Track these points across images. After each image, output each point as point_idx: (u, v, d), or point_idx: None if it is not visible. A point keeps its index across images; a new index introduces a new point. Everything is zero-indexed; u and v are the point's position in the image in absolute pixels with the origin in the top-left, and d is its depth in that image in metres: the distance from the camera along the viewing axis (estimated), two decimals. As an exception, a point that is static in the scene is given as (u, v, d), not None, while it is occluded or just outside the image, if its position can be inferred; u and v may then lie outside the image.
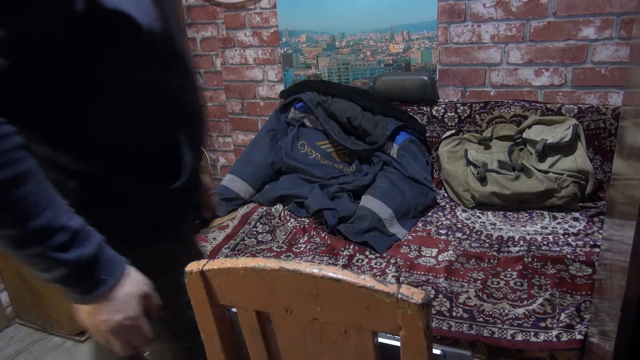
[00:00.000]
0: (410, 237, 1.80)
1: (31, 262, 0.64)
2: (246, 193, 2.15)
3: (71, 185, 0.75)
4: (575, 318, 1.29)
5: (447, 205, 2.02)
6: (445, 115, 2.19)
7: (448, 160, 2.07)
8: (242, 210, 2.05)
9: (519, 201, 1.90)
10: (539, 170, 1.91)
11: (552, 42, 2.05)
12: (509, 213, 1.91)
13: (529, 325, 1.30)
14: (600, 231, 1.67)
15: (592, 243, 1.60)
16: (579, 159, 1.87)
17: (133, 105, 0.76)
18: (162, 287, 0.76)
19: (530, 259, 1.54)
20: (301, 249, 1.76)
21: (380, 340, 0.66)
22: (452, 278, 1.52)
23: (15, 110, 0.62)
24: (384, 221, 1.80)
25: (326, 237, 1.80)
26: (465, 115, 2.16)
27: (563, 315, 1.30)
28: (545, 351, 1.27)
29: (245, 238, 1.85)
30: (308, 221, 1.93)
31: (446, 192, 2.11)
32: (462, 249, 1.67)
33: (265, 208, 2.05)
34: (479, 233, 1.77)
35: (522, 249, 1.62)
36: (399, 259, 1.64)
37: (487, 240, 1.71)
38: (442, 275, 1.52)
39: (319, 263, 0.73)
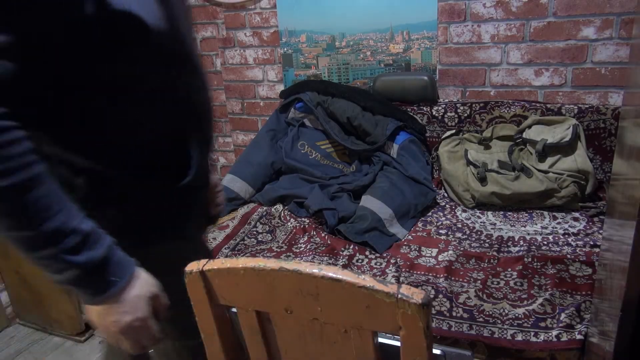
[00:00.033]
0: (410, 237, 1.80)
1: (43, 264, 0.65)
2: (246, 193, 2.15)
3: (79, 184, 0.76)
4: (575, 318, 1.29)
5: (447, 205, 2.02)
6: (445, 115, 2.19)
7: (448, 160, 2.07)
8: (242, 210, 2.05)
9: (519, 201, 1.90)
10: (539, 170, 1.91)
11: (552, 42, 2.05)
12: (509, 213, 1.91)
13: (529, 325, 1.30)
14: (600, 231, 1.67)
15: (592, 243, 1.60)
16: (579, 159, 1.87)
17: (142, 104, 0.77)
18: (169, 286, 0.77)
19: (530, 259, 1.54)
20: (301, 249, 1.76)
21: (380, 340, 0.66)
22: (452, 278, 1.52)
23: (25, 111, 0.63)
24: (384, 221, 1.80)
25: (326, 237, 1.80)
26: (465, 115, 2.16)
27: (563, 315, 1.30)
28: (545, 351, 1.27)
29: (245, 238, 1.86)
30: (308, 221, 1.93)
31: (446, 192, 2.11)
32: (462, 249, 1.67)
33: (265, 208, 2.05)
34: (479, 233, 1.77)
35: (522, 249, 1.62)
36: (399, 259, 1.64)
37: (487, 240, 1.71)
38: (442, 275, 1.52)
39: (319, 263, 0.73)
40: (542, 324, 1.30)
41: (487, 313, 1.35)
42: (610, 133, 1.94)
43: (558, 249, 1.59)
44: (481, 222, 1.86)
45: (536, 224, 1.80)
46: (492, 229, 1.80)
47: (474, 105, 2.15)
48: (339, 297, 0.61)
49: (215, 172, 1.01)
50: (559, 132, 1.91)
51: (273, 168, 2.25)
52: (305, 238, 1.82)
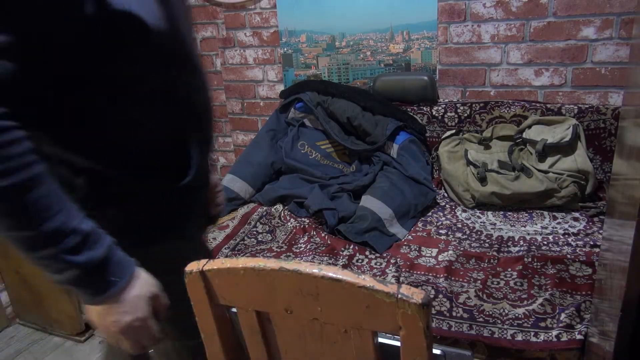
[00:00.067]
0: (410, 237, 1.80)
1: (43, 264, 0.66)
2: (246, 193, 2.15)
3: (79, 184, 0.76)
4: (575, 318, 1.29)
5: (447, 205, 2.02)
6: (445, 115, 2.19)
7: (448, 160, 2.07)
8: (242, 210, 2.05)
9: (519, 201, 1.90)
10: (539, 170, 1.91)
11: (552, 42, 2.05)
12: (509, 213, 1.91)
13: (529, 325, 1.30)
14: (600, 231, 1.67)
15: (592, 243, 1.60)
16: (579, 159, 1.87)
17: (142, 104, 0.77)
18: (169, 286, 0.77)
19: (530, 259, 1.54)
20: (301, 249, 1.76)
21: (380, 340, 0.66)
22: (452, 278, 1.52)
23: (25, 111, 0.63)
24: (384, 221, 1.80)
25: (326, 237, 1.80)
26: (465, 115, 2.16)
27: (563, 315, 1.30)
28: (545, 351, 1.27)
29: (245, 238, 1.86)
30: (308, 221, 1.93)
31: (446, 192, 2.11)
32: (462, 249, 1.67)
33: (265, 208, 2.05)
34: (479, 233, 1.77)
35: (522, 249, 1.62)
36: (399, 259, 1.64)
37: (487, 240, 1.71)
38: (442, 275, 1.52)
39: (319, 263, 0.73)
40: (542, 324, 1.30)
41: (487, 313, 1.35)
42: (610, 133, 1.94)
43: (558, 249, 1.59)
44: (481, 222, 1.86)
45: (536, 224, 1.80)
46: (492, 229, 1.80)
47: (474, 105, 2.15)
48: (339, 297, 0.61)
49: (215, 172, 1.02)
50: (559, 132, 1.91)
51: (273, 168, 2.25)
52: (305, 238, 1.82)
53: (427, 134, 2.23)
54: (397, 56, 2.38)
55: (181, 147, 0.84)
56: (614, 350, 0.79)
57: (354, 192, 2.03)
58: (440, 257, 1.63)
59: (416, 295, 0.56)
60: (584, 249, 1.57)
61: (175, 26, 0.78)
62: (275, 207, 2.05)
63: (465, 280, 1.50)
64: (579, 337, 1.25)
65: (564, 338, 1.25)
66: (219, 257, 1.69)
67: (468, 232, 1.79)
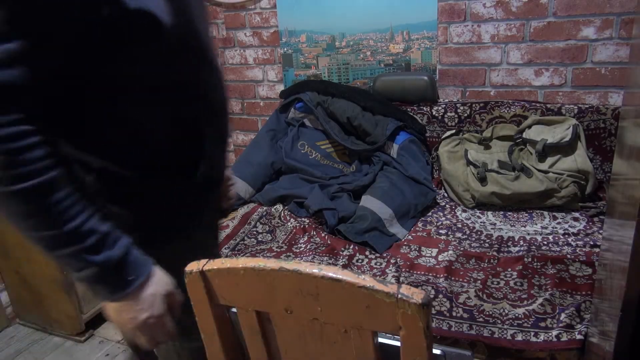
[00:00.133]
0: (410, 237, 1.80)
1: (64, 262, 0.69)
2: (246, 193, 2.15)
3: (89, 181, 0.76)
4: (575, 318, 1.29)
5: (447, 205, 2.02)
6: (445, 115, 2.19)
7: (448, 160, 2.07)
8: (242, 210, 2.05)
9: (519, 201, 1.90)
10: (539, 170, 1.91)
11: (552, 42, 2.05)
12: (509, 213, 1.91)
13: (529, 325, 1.30)
14: (600, 231, 1.67)
15: (592, 243, 1.60)
16: (579, 159, 1.87)
17: (154, 102, 0.77)
18: (182, 284, 0.78)
19: (530, 259, 1.54)
20: (301, 249, 1.76)
21: (380, 340, 0.66)
22: (452, 278, 1.52)
23: (41, 113, 0.64)
24: (384, 221, 1.80)
25: (326, 237, 1.80)
26: (465, 115, 2.16)
27: (563, 315, 1.30)
28: (545, 351, 1.27)
29: (245, 238, 1.85)
30: (308, 221, 1.93)
31: (446, 192, 2.11)
32: (462, 249, 1.67)
33: (265, 208, 2.05)
34: (479, 233, 1.77)
35: (522, 249, 1.62)
36: (399, 259, 1.64)
37: (487, 240, 1.71)
38: (442, 275, 1.52)
39: (319, 263, 0.73)
40: (542, 324, 1.30)
41: (487, 313, 1.35)
42: (610, 133, 1.94)
43: (558, 249, 1.59)
44: (481, 222, 1.86)
45: (536, 224, 1.80)
46: (492, 229, 1.80)
47: (474, 105, 2.15)
48: (339, 297, 0.61)
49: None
50: (559, 132, 1.91)
51: (273, 168, 2.25)
52: (305, 238, 1.82)
53: (427, 134, 2.23)
54: (397, 56, 2.38)
55: (196, 145, 0.84)
56: (614, 350, 0.79)
57: (354, 192, 2.03)
58: (440, 257, 1.63)
59: (416, 295, 0.56)
60: (584, 249, 1.57)
61: (191, 24, 0.78)
62: (275, 207, 2.05)
63: (465, 280, 1.50)
64: (579, 337, 1.25)
65: (564, 338, 1.25)
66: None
67: (468, 232, 1.79)
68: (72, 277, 0.70)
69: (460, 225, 1.84)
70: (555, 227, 1.76)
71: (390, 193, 1.91)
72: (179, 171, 0.83)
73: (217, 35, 2.68)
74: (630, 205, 0.77)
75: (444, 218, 1.92)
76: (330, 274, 0.60)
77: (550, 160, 1.92)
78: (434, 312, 1.39)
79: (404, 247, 1.73)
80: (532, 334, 1.28)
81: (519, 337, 1.29)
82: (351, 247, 1.73)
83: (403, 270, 1.58)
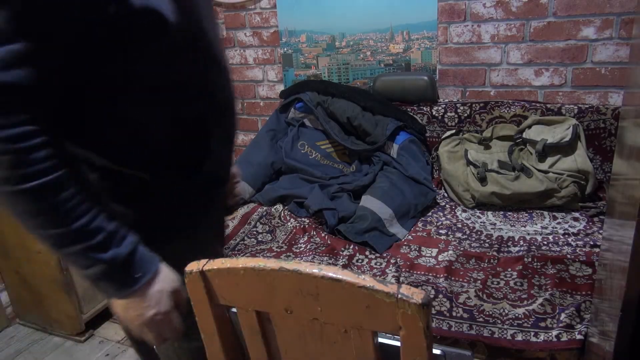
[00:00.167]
0: (410, 237, 1.80)
1: (71, 260, 0.70)
2: (246, 193, 2.15)
3: (94, 179, 0.77)
4: (575, 318, 1.29)
5: (447, 205, 2.02)
6: (445, 115, 2.19)
7: (448, 160, 2.07)
8: (242, 210, 2.05)
9: (519, 201, 1.90)
10: (539, 170, 1.91)
11: (552, 42, 2.05)
12: (509, 213, 1.91)
13: (529, 325, 1.30)
14: (600, 231, 1.67)
15: (592, 243, 1.60)
16: (579, 159, 1.87)
17: (158, 102, 0.76)
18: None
19: (530, 259, 1.54)
20: (301, 249, 1.76)
21: (380, 340, 0.66)
22: (452, 278, 1.52)
23: (47, 112, 0.64)
24: (384, 221, 1.80)
25: (326, 237, 1.80)
26: (465, 115, 2.16)
27: (563, 315, 1.30)
28: (545, 351, 1.27)
29: (245, 238, 1.85)
30: (308, 221, 1.93)
31: (446, 192, 2.11)
32: (462, 249, 1.67)
33: (265, 208, 2.05)
34: (479, 233, 1.77)
35: (522, 249, 1.62)
36: (399, 259, 1.64)
37: (487, 240, 1.71)
38: (442, 275, 1.52)
39: (319, 263, 0.73)
40: (542, 324, 1.30)
41: (487, 313, 1.35)
42: (610, 133, 1.94)
43: (558, 249, 1.59)
44: (481, 222, 1.86)
45: (536, 224, 1.80)
46: (492, 229, 1.80)
47: (474, 105, 2.15)
48: (339, 297, 0.61)
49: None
50: (559, 132, 1.91)
51: (273, 168, 2.25)
52: (305, 238, 1.82)
53: (427, 134, 2.23)
54: (397, 56, 2.38)
55: (202, 144, 0.84)
56: (614, 350, 0.79)
57: (354, 192, 2.03)
58: (440, 257, 1.63)
59: (416, 295, 0.56)
60: (584, 249, 1.57)
61: (198, 23, 0.77)
62: (275, 207, 2.05)
63: (465, 280, 1.50)
64: (579, 337, 1.25)
65: (564, 338, 1.25)
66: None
67: (468, 232, 1.79)
68: (78, 275, 0.71)
69: (460, 225, 1.84)
70: (555, 227, 1.76)
71: (390, 193, 1.91)
72: (184, 171, 0.83)
73: (217, 35, 2.68)
74: (630, 205, 0.77)
75: (444, 218, 1.92)
76: (330, 274, 0.60)
77: (550, 160, 1.92)
78: (434, 312, 1.39)
79: (404, 247, 1.73)
80: (532, 334, 1.28)
81: (519, 337, 1.29)
82: (351, 247, 1.73)
83: (403, 270, 1.58)
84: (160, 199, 0.82)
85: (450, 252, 1.64)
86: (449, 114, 2.19)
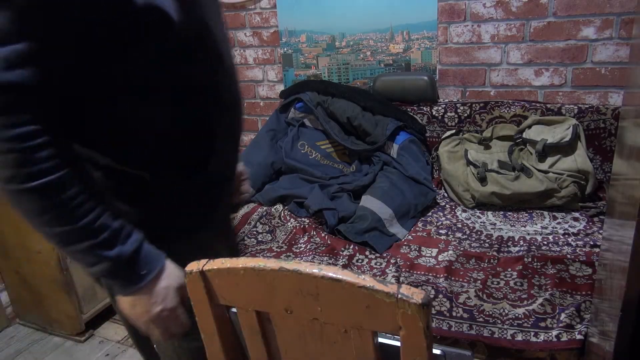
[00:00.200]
0: (410, 237, 1.80)
1: (77, 258, 0.71)
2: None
3: (98, 177, 0.77)
4: (575, 318, 1.29)
5: (447, 205, 2.02)
6: (445, 115, 2.19)
7: (448, 160, 2.07)
8: (242, 211, 2.05)
9: (519, 201, 1.90)
10: (539, 170, 1.91)
11: (552, 42, 2.05)
12: (509, 213, 1.91)
13: (529, 325, 1.30)
14: (600, 231, 1.67)
15: (592, 243, 1.60)
16: (579, 159, 1.87)
17: (162, 101, 0.76)
18: None
19: (530, 259, 1.54)
20: (301, 249, 1.76)
21: (380, 340, 0.66)
22: (452, 278, 1.52)
23: (50, 112, 0.64)
24: (384, 221, 1.80)
25: (326, 237, 1.80)
26: (465, 115, 2.16)
27: (563, 315, 1.30)
28: (545, 351, 1.27)
29: (245, 238, 1.85)
30: (308, 221, 1.93)
31: (446, 192, 2.11)
32: (462, 249, 1.67)
33: (265, 208, 2.05)
34: (479, 233, 1.77)
35: (522, 249, 1.62)
36: (399, 259, 1.64)
37: (487, 240, 1.71)
38: (442, 275, 1.52)
39: (319, 263, 0.73)
40: (542, 324, 1.30)
41: (487, 313, 1.35)
42: (610, 133, 1.94)
43: (558, 249, 1.59)
44: (481, 222, 1.86)
45: (536, 224, 1.80)
46: (492, 229, 1.80)
47: (474, 105, 2.15)
48: (339, 297, 0.61)
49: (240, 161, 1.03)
50: (559, 132, 1.91)
51: (273, 168, 2.25)
52: (305, 238, 1.82)
53: (427, 134, 2.23)
54: (397, 56, 2.38)
55: (206, 144, 0.84)
56: (614, 350, 0.79)
57: (354, 192, 2.03)
58: (440, 257, 1.63)
59: (416, 295, 0.56)
60: (584, 249, 1.57)
61: (203, 22, 0.77)
62: (275, 207, 2.05)
63: (465, 280, 1.50)
64: (579, 337, 1.25)
65: (564, 338, 1.25)
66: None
67: (468, 232, 1.79)
68: (84, 273, 0.72)
69: (460, 225, 1.84)
70: (555, 227, 1.76)
71: (390, 193, 1.91)
72: (186, 171, 0.83)
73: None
74: (630, 205, 0.77)
75: (444, 218, 1.92)
76: (330, 274, 0.60)
77: (550, 160, 1.92)
78: (434, 312, 1.39)
79: (404, 247, 1.73)
80: (532, 334, 1.28)
81: (519, 337, 1.29)
82: (351, 247, 1.73)
83: (403, 270, 1.58)
84: (162, 198, 0.82)
85: (450, 252, 1.64)
86: (449, 114, 2.19)
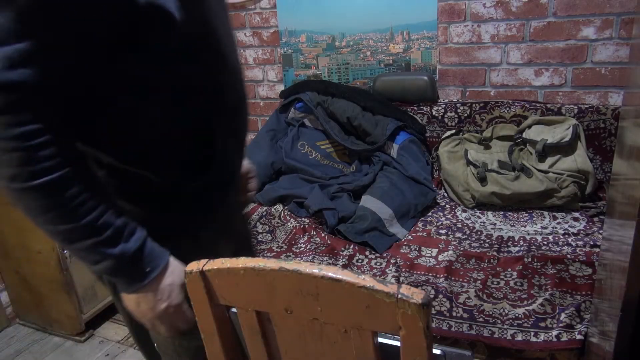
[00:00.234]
0: (410, 237, 1.80)
1: (81, 255, 0.71)
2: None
3: (101, 176, 0.77)
4: (575, 318, 1.29)
5: (447, 205, 2.02)
6: (445, 115, 2.19)
7: (448, 160, 2.07)
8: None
9: (519, 201, 1.90)
10: (539, 170, 1.91)
11: (552, 42, 2.05)
12: (509, 213, 1.91)
13: (529, 325, 1.30)
14: (600, 231, 1.67)
15: (592, 243, 1.60)
16: (579, 159, 1.87)
17: (171, 102, 0.76)
18: None
19: (530, 259, 1.54)
20: (301, 249, 1.76)
21: (380, 340, 0.66)
22: (452, 278, 1.52)
23: (53, 111, 0.64)
24: (384, 221, 1.80)
25: (326, 237, 1.80)
26: (465, 115, 2.16)
27: (563, 315, 1.30)
28: (545, 351, 1.27)
29: (245, 238, 1.85)
30: (308, 221, 1.93)
31: (446, 192, 2.11)
32: (462, 249, 1.67)
33: (265, 208, 2.05)
34: (479, 233, 1.77)
35: (522, 249, 1.62)
36: (399, 259, 1.64)
37: (487, 240, 1.71)
38: (442, 275, 1.52)
39: (319, 263, 0.73)
40: (542, 324, 1.30)
41: (487, 313, 1.35)
42: (610, 133, 1.94)
43: (558, 249, 1.59)
44: (481, 222, 1.86)
45: (536, 224, 1.80)
46: (492, 229, 1.80)
47: (474, 105, 2.15)
48: (339, 297, 0.61)
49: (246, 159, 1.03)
50: (559, 132, 1.92)
51: (273, 168, 2.25)
52: (305, 238, 1.82)
53: (427, 134, 2.23)
54: (397, 56, 2.38)
55: (208, 145, 0.84)
56: (614, 350, 0.79)
57: (354, 192, 2.03)
58: (440, 257, 1.63)
59: (416, 295, 0.56)
60: (584, 249, 1.57)
61: (207, 21, 0.77)
62: (275, 207, 2.05)
63: (465, 280, 1.50)
64: (579, 337, 1.25)
65: (564, 338, 1.25)
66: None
67: (468, 232, 1.79)
68: (88, 271, 0.73)
69: (460, 225, 1.84)
70: (555, 227, 1.76)
71: (390, 193, 1.91)
72: (188, 171, 0.83)
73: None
74: (630, 205, 0.77)
75: (444, 218, 1.92)
76: (330, 274, 0.60)
77: (550, 160, 1.92)
78: (434, 312, 1.39)
79: (404, 247, 1.73)
80: (532, 334, 1.28)
81: (519, 337, 1.29)
82: (351, 247, 1.73)
83: (403, 270, 1.58)
84: (166, 197, 0.82)
85: (450, 252, 1.64)
86: (449, 114, 2.19)
